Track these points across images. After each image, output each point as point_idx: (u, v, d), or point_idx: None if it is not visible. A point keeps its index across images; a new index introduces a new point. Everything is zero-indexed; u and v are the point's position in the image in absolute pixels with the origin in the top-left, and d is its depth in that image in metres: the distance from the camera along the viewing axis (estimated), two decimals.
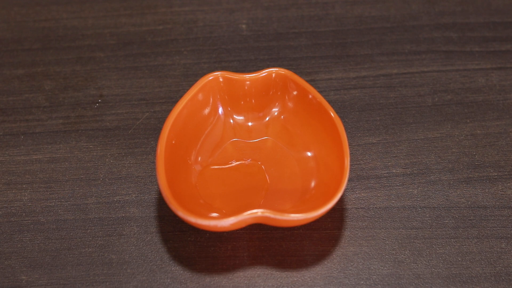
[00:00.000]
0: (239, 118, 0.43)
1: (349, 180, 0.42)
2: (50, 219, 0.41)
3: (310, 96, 0.41)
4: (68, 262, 0.39)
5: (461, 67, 0.48)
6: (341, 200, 0.41)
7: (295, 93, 0.42)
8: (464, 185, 0.42)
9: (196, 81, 0.42)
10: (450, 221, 0.41)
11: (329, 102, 0.45)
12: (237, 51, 0.49)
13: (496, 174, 0.43)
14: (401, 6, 0.52)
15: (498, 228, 0.40)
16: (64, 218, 0.41)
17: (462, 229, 0.40)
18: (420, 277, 0.39)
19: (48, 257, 0.40)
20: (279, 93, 0.43)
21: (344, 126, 0.41)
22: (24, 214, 0.41)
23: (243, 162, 0.42)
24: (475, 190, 0.42)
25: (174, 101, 0.46)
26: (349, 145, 0.43)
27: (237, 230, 0.40)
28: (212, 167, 0.42)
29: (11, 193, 0.42)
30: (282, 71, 0.42)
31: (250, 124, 0.43)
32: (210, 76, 0.41)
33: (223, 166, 0.42)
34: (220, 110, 0.43)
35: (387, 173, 0.43)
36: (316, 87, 0.46)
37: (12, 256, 0.40)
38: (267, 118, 0.43)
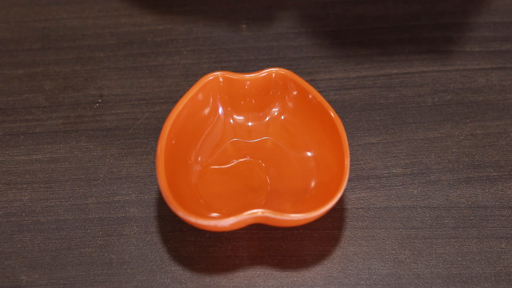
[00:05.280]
0: (239, 118, 0.43)
1: (349, 180, 0.42)
2: (50, 219, 0.41)
3: (310, 96, 0.41)
4: (68, 262, 0.39)
5: (461, 67, 0.48)
6: (341, 200, 0.41)
7: (295, 93, 0.42)
8: (464, 185, 0.42)
9: (196, 81, 0.42)
10: (450, 221, 0.41)
11: (329, 102, 0.45)
12: (237, 51, 0.49)
13: (496, 174, 0.43)
14: (401, 6, 0.52)
15: (498, 228, 0.40)
16: (64, 218, 0.41)
17: (462, 229, 0.40)
18: (420, 277, 0.39)
19: (48, 257, 0.40)
20: (279, 93, 0.43)
21: (344, 126, 0.41)
22: (24, 214, 0.41)
23: (243, 160, 0.42)
24: (475, 190, 0.42)
25: (174, 101, 0.46)
26: (349, 145, 0.43)
27: (237, 230, 0.40)
28: (212, 167, 0.42)
29: (11, 193, 0.42)
30: (282, 71, 0.42)
31: (250, 124, 0.43)
32: (210, 76, 0.41)
33: (223, 166, 0.42)
34: (220, 110, 0.43)
35: (387, 173, 0.43)
36: (316, 87, 0.46)
37: (12, 256, 0.40)
38: (267, 118, 0.43)
